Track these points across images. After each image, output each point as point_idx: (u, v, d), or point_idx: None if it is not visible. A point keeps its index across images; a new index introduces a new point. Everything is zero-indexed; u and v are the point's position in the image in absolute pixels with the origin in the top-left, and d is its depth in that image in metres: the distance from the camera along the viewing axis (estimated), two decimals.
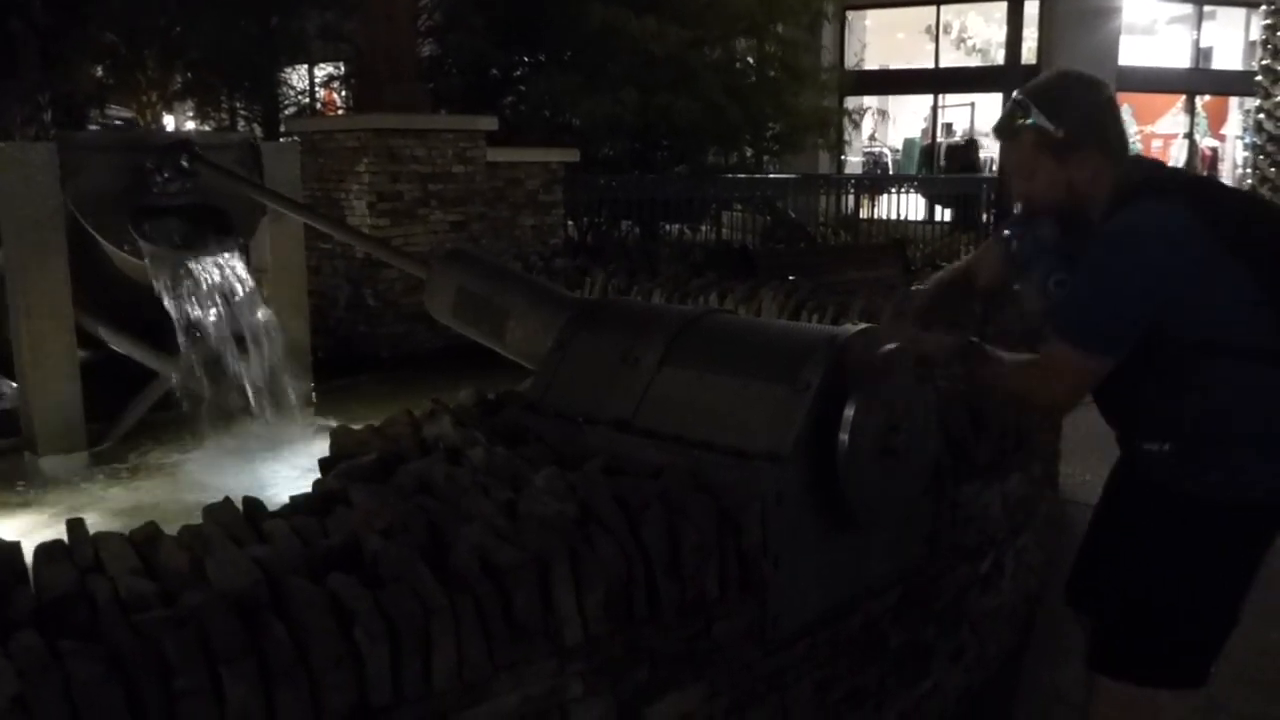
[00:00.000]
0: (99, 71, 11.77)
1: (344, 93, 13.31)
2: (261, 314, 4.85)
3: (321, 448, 2.63)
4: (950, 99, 20.85)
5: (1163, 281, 1.93)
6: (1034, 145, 2.06)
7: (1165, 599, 2.05)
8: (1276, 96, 11.40)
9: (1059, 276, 2.09)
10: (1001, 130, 2.14)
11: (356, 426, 2.72)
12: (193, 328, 4.61)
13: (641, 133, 10.75)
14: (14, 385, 4.77)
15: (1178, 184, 2.05)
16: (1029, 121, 2.05)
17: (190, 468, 4.54)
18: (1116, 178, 2.04)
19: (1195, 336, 1.94)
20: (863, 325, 2.51)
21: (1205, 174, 19.99)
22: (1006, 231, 2.24)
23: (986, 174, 17.74)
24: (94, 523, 2.02)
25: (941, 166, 20.32)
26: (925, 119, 21.63)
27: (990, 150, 19.19)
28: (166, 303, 4.53)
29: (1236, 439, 1.97)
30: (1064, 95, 2.06)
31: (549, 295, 3.04)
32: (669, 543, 1.95)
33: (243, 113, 12.53)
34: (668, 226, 11.06)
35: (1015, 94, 2.14)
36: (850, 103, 17.23)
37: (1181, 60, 19.95)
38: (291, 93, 13.09)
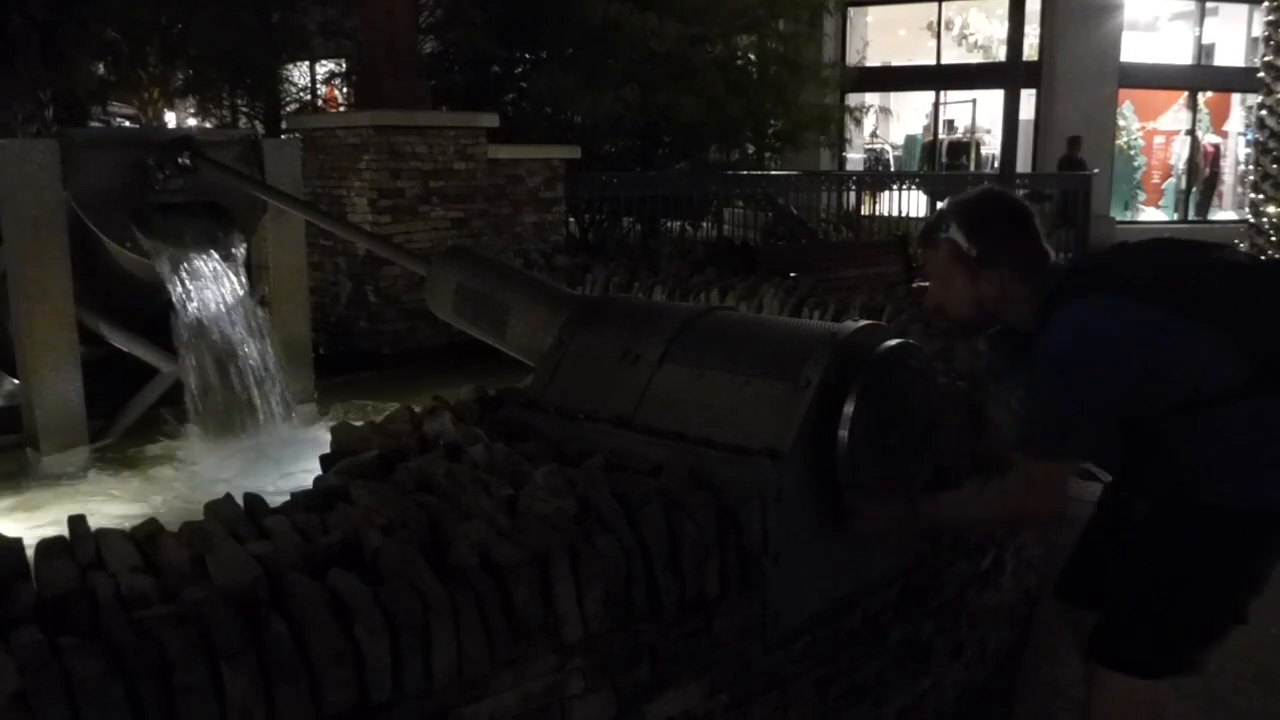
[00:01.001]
0: (100, 68, 11.76)
1: (345, 89, 13.30)
2: (260, 311, 4.85)
3: (322, 444, 2.63)
4: (952, 96, 20.78)
5: (1109, 384, 1.96)
6: (950, 259, 2.13)
7: (1158, 591, 2.06)
8: (1278, 93, 11.37)
9: (1020, 394, 2.13)
10: (923, 238, 2.24)
11: (357, 423, 2.73)
12: (193, 324, 4.61)
13: (643, 129, 10.73)
14: (15, 381, 4.77)
15: (1096, 274, 2.09)
16: (945, 234, 2.13)
17: (191, 464, 4.55)
18: (1035, 288, 2.08)
19: (1178, 401, 1.96)
20: (864, 322, 2.51)
21: (1205, 171, 19.99)
22: (983, 346, 2.29)
23: (988, 170, 17.74)
24: (95, 519, 2.02)
25: (943, 163, 20.28)
26: (927, 116, 21.58)
27: (991, 148, 19.17)
28: (168, 299, 4.53)
29: (1238, 467, 1.97)
30: (983, 215, 2.13)
31: (550, 292, 3.04)
32: (669, 540, 1.95)
33: (244, 109, 12.52)
34: (669, 223, 11.05)
35: (939, 205, 2.19)
36: (852, 99, 17.19)
37: (1184, 57, 19.89)
38: (293, 89, 13.07)
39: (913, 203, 12.54)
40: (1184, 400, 1.96)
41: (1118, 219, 18.70)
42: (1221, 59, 20.25)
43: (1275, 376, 1.92)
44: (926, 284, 2.23)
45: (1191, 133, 20.20)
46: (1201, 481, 1.98)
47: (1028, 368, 2.04)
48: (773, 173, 12.71)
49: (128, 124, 12.91)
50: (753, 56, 12.09)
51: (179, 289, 4.56)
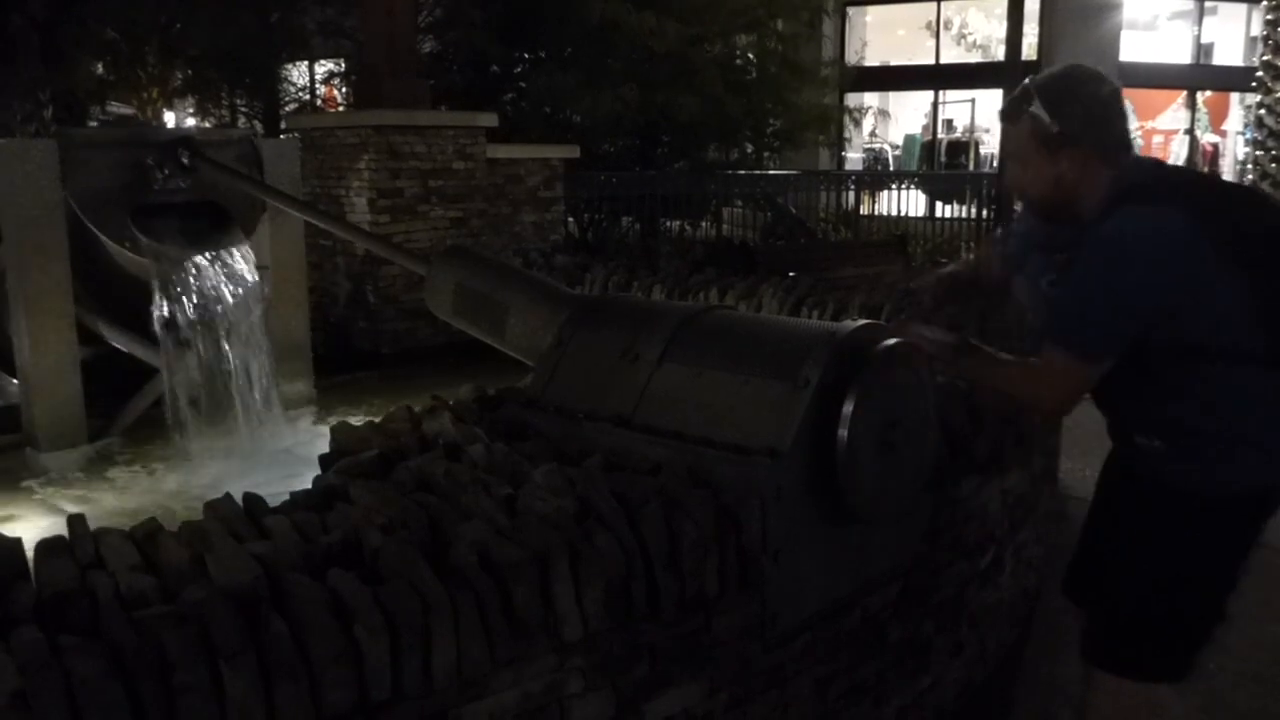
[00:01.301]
0: (99, 68, 11.76)
1: (344, 89, 13.31)
2: (260, 311, 4.85)
3: (322, 444, 2.63)
4: (951, 95, 20.82)
5: (1149, 294, 1.93)
6: (1030, 135, 2.06)
7: (1157, 594, 2.06)
8: (1277, 92, 11.38)
9: (1050, 276, 2.10)
10: (1006, 113, 2.14)
11: (357, 423, 2.73)
12: (190, 324, 4.61)
13: (642, 129, 10.74)
14: (15, 381, 4.77)
15: (1173, 187, 2.04)
16: (1030, 109, 2.05)
17: (191, 463, 4.55)
18: (1111, 179, 2.03)
19: (1188, 342, 1.95)
20: (863, 321, 2.51)
21: (1207, 171, 19.99)
22: (999, 231, 2.26)
23: (987, 170, 17.75)
24: (95, 518, 2.02)
25: (942, 163, 20.31)
26: (926, 115, 21.61)
27: (990, 147, 19.18)
28: (163, 299, 4.53)
29: (1228, 438, 1.98)
30: (1067, 91, 2.06)
31: (549, 291, 3.04)
32: (668, 539, 1.95)
33: (243, 109, 12.54)
34: (668, 223, 11.06)
35: (1026, 80, 2.14)
36: (851, 99, 17.21)
37: (1183, 56, 19.92)
38: (292, 89, 13.10)
39: (911, 202, 12.55)
40: (1198, 343, 1.94)
41: None
42: (1220, 58, 20.29)
43: None
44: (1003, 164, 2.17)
45: (1190, 132, 20.24)
46: (1214, 426, 1.97)
47: (1078, 255, 1.99)
48: (772, 172, 12.72)
49: (126, 111, 12.88)
50: (752, 56, 12.10)
51: (178, 289, 4.56)
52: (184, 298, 4.57)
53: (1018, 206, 2.36)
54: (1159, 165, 2.26)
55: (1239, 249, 1.93)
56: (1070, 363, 1.97)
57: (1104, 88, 2.08)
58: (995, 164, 12.92)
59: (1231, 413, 1.97)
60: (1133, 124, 18.56)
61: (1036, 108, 2.04)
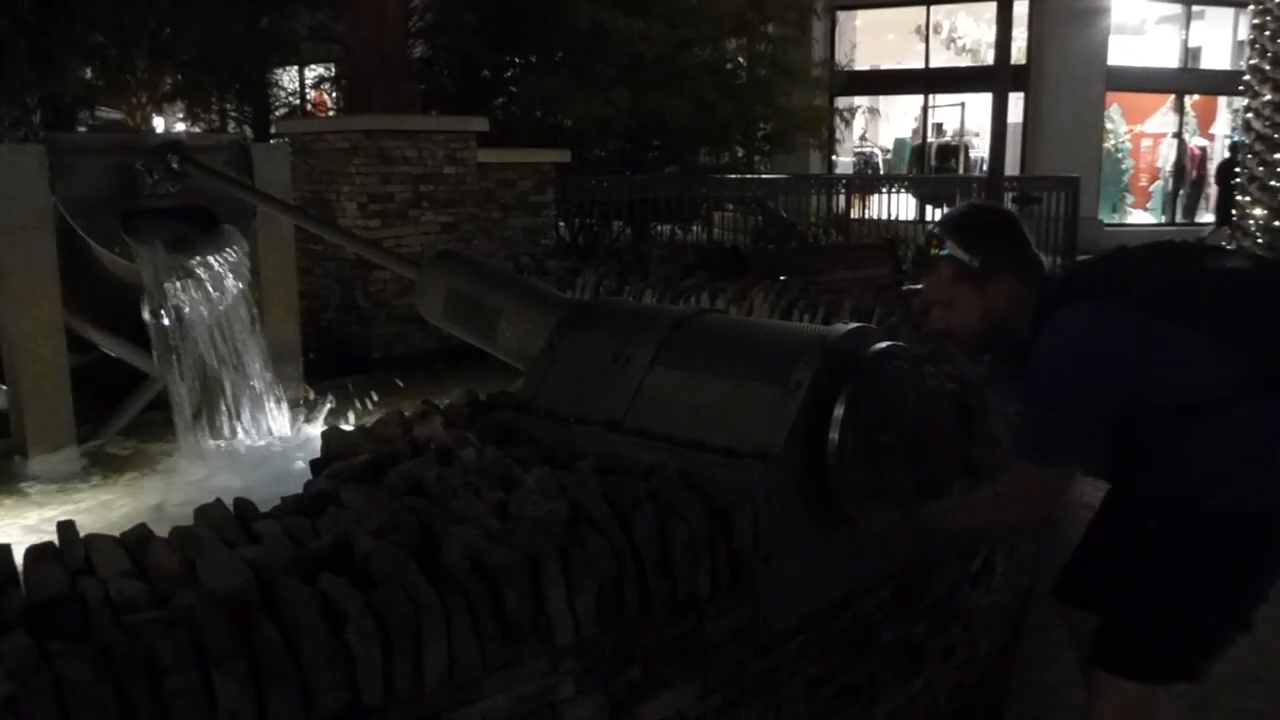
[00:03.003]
0: (88, 73, 11.72)
1: (335, 94, 13.28)
2: (250, 316, 4.84)
3: (313, 449, 2.63)
4: (940, 99, 20.87)
5: (1097, 387, 1.97)
6: (952, 277, 2.13)
7: (1185, 605, 2.05)
8: (1264, 96, 11.43)
9: (1015, 404, 2.14)
10: (919, 265, 2.23)
11: (348, 427, 2.72)
12: (180, 330, 4.60)
13: (633, 133, 10.74)
14: (3, 387, 4.75)
15: (1087, 280, 2.10)
16: (944, 253, 2.12)
17: (181, 469, 4.53)
18: (1033, 294, 2.09)
19: (1172, 406, 1.97)
20: (854, 325, 2.52)
21: (1193, 174, 20.09)
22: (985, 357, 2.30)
23: (977, 173, 17.80)
24: (85, 524, 2.01)
25: (932, 166, 20.35)
26: (916, 119, 21.66)
27: (980, 150, 19.23)
28: (149, 305, 4.51)
29: (1242, 468, 1.98)
30: (976, 226, 2.15)
31: (540, 296, 3.04)
32: (660, 542, 1.95)
33: (233, 114, 12.50)
34: (659, 227, 11.06)
35: (929, 228, 2.19)
36: (841, 103, 17.24)
37: (1170, 60, 20.00)
38: (282, 94, 13.06)
39: (902, 206, 12.57)
40: (1179, 405, 1.96)
41: (1105, 222, 18.79)
42: (1208, 62, 20.38)
43: (1275, 378, 1.92)
44: (930, 310, 2.20)
45: (1179, 135, 20.31)
46: (1203, 486, 1.98)
47: (1023, 375, 2.05)
48: (762, 176, 12.73)
49: (115, 116, 12.83)
50: (742, 60, 12.12)
51: (168, 293, 4.55)
52: (174, 303, 4.55)
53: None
54: (1071, 266, 2.35)
55: (1181, 306, 1.96)
56: (1036, 473, 2.02)
57: (1007, 220, 2.19)
58: (985, 168, 12.95)
59: (1241, 447, 1.96)
60: (1121, 128, 18.58)
61: (952, 249, 2.11)
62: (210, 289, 4.64)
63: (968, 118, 20.50)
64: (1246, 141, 12.04)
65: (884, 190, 12.69)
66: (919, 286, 2.65)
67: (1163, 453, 2.02)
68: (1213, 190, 19.47)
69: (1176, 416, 1.97)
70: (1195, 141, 20.56)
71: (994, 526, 2.27)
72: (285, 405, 4.99)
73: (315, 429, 4.67)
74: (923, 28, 20.66)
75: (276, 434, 4.89)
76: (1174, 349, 1.96)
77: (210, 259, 4.69)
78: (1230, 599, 2.05)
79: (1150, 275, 2.06)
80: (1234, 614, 2.06)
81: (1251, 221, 11.44)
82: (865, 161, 21.83)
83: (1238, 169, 12.37)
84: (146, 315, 4.52)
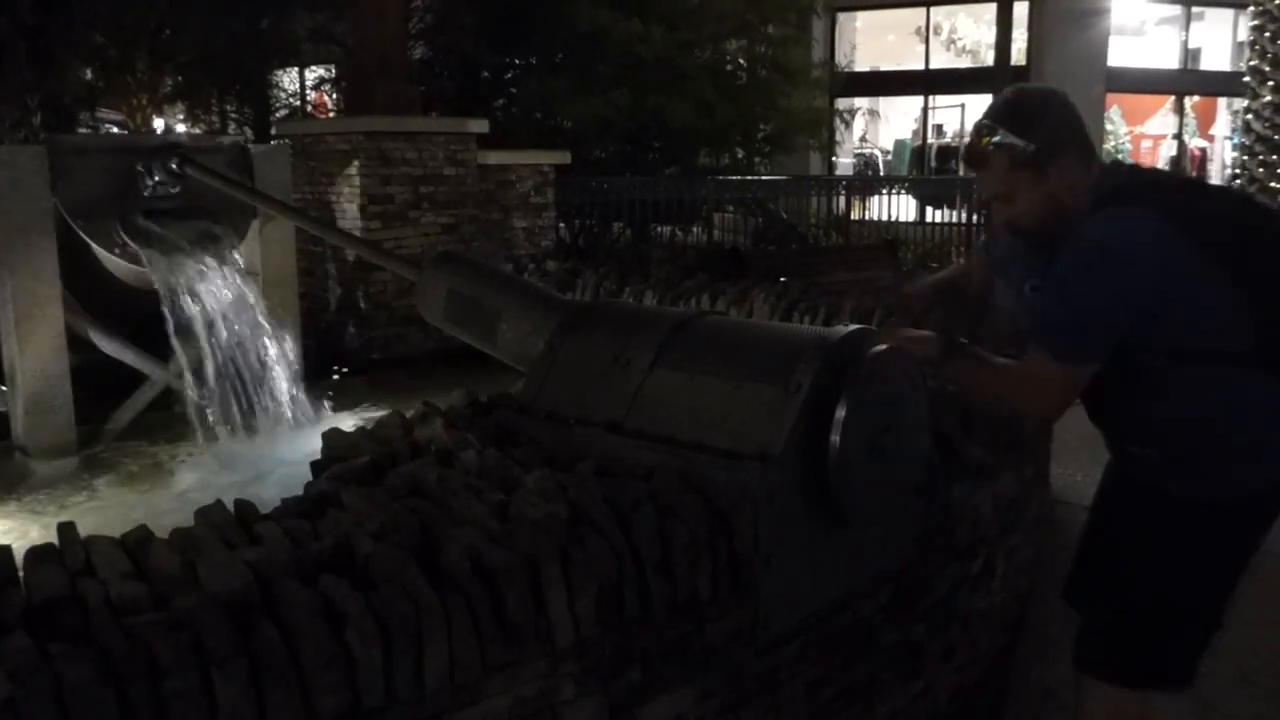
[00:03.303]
0: (88, 74, 11.72)
1: (335, 95, 13.29)
2: (249, 317, 4.84)
3: (313, 450, 2.63)
4: (940, 100, 20.89)
5: (1126, 297, 1.93)
6: (1009, 166, 2.02)
7: (1156, 601, 2.06)
8: (1264, 97, 11.45)
9: (1034, 282, 2.10)
10: (972, 158, 2.10)
11: (348, 429, 2.72)
12: (183, 329, 4.60)
13: (633, 134, 10.75)
14: (4, 388, 4.76)
15: (1148, 188, 2.02)
16: (997, 140, 2.02)
17: (181, 470, 4.53)
18: (1093, 182, 2.02)
19: (1173, 345, 1.94)
20: (854, 326, 2.52)
21: (1193, 174, 20.09)
22: (983, 238, 2.26)
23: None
24: (85, 525, 2.01)
25: (932, 167, 20.37)
26: (916, 120, 21.68)
27: None
28: (154, 305, 4.52)
29: (1219, 442, 1.98)
30: (1029, 110, 2.04)
31: (540, 297, 3.04)
32: (660, 543, 1.95)
33: (233, 116, 12.51)
34: (659, 228, 11.06)
35: (977, 121, 2.11)
36: (841, 105, 17.26)
37: (1170, 61, 20.03)
38: (282, 95, 13.07)
39: (902, 207, 12.58)
40: (1182, 346, 1.94)
41: None
42: (1207, 63, 20.41)
43: (1275, 352, 1.91)
44: (991, 206, 2.11)
45: (1178, 136, 20.34)
46: (1204, 431, 1.97)
47: (1059, 258, 1.98)
48: (762, 177, 12.74)
49: (115, 118, 12.84)
50: (742, 61, 12.12)
51: (168, 294, 4.55)
52: (174, 303, 4.56)
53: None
54: (1135, 169, 2.25)
55: (1217, 247, 1.92)
56: (1054, 368, 1.96)
57: (1056, 97, 2.07)
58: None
59: (1223, 417, 1.96)
60: (1121, 129, 18.57)
61: (1005, 136, 2.01)
62: (210, 290, 4.65)
63: (968, 119, 20.52)
64: (1246, 143, 12.05)
65: (884, 192, 12.69)
66: (915, 288, 2.64)
67: (1151, 394, 1.98)
68: None
69: (1175, 357, 1.94)
70: (1195, 142, 20.59)
71: (1000, 396, 2.19)
72: (285, 406, 4.99)
73: (315, 430, 4.67)
74: (923, 29, 20.69)
75: (276, 434, 4.89)
76: (1199, 287, 1.91)
77: (210, 260, 4.70)
78: (1203, 594, 2.06)
79: (1209, 208, 2.02)
80: (1207, 610, 2.07)
81: None
82: (865, 163, 21.85)
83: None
84: (150, 316, 4.52)
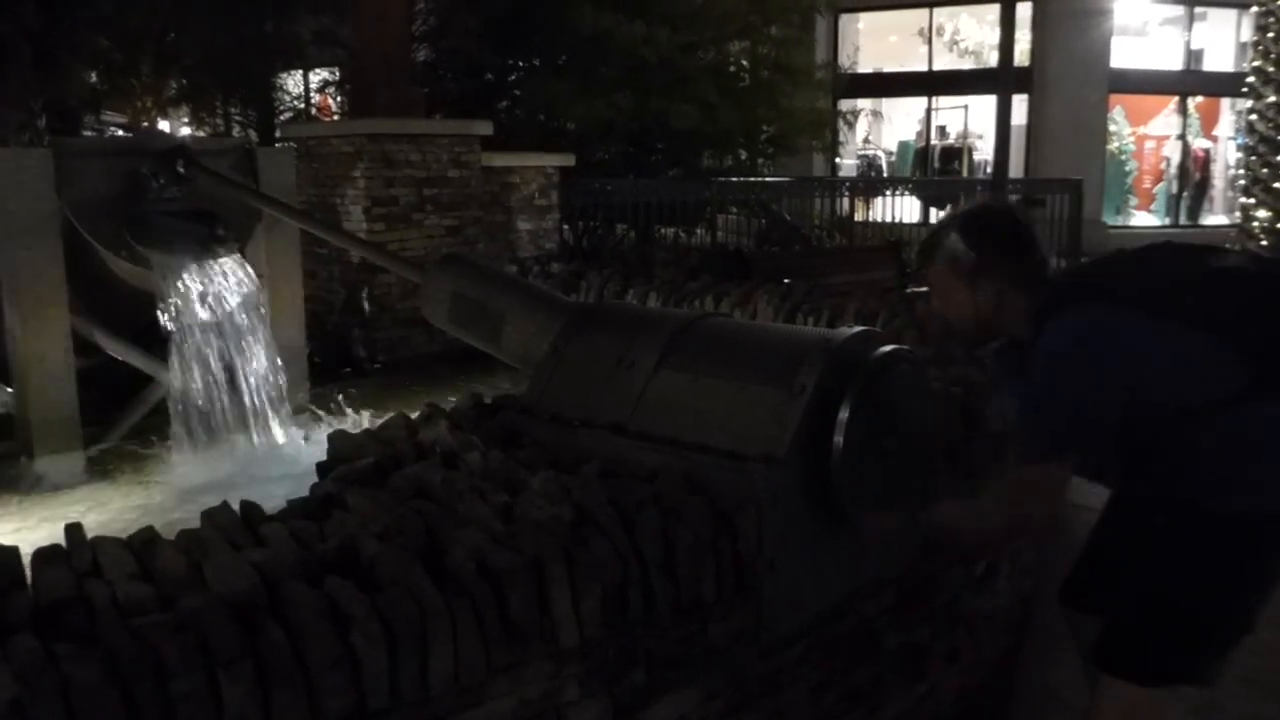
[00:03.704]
0: (93, 77, 11.75)
1: (339, 98, 13.32)
2: (254, 319, 4.85)
3: (318, 452, 2.63)
4: (944, 101, 20.86)
5: (1091, 390, 1.98)
6: (948, 267, 2.15)
7: (1186, 606, 2.05)
8: (1268, 97, 11.42)
9: (1017, 411, 2.15)
10: (922, 250, 2.26)
11: (353, 431, 2.73)
12: (186, 333, 4.61)
13: (636, 136, 10.76)
14: (10, 390, 4.77)
15: (1089, 284, 2.12)
16: (948, 241, 2.14)
17: (187, 472, 4.54)
18: (1035, 301, 2.09)
19: (1169, 408, 1.97)
20: (858, 328, 2.52)
21: (1196, 175, 20.07)
22: (988, 360, 2.32)
23: (981, 176, 17.80)
24: (91, 527, 2.02)
25: (935, 169, 20.35)
26: (919, 121, 21.66)
27: (984, 153, 19.22)
28: (159, 308, 4.53)
29: (1245, 476, 1.97)
30: (981, 225, 2.15)
31: (544, 299, 3.04)
32: (665, 545, 1.96)
33: (238, 118, 12.54)
34: (663, 230, 11.07)
35: (934, 212, 2.21)
36: (844, 106, 17.25)
37: (1173, 62, 19.98)
38: (287, 98, 13.11)
39: (906, 208, 12.57)
40: (1181, 407, 1.96)
41: (1109, 224, 18.77)
42: (1211, 64, 20.36)
43: (1276, 380, 1.92)
44: (926, 291, 2.24)
45: (1182, 137, 20.29)
46: (1205, 487, 1.98)
47: (1023, 380, 2.06)
48: (766, 179, 12.74)
49: (119, 120, 12.86)
50: (745, 63, 12.12)
51: (174, 297, 4.56)
52: (179, 306, 4.57)
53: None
54: (1069, 271, 2.38)
55: (1180, 308, 1.97)
56: (1037, 469, 2.02)
57: (1012, 223, 2.18)
58: (989, 170, 12.94)
59: (1242, 455, 1.96)
60: (1124, 130, 18.55)
61: (953, 242, 2.13)
62: (216, 292, 4.65)
63: (971, 120, 20.50)
64: (1250, 143, 12.03)
65: (888, 193, 12.68)
66: (924, 289, 2.67)
67: (1165, 454, 2.02)
68: (1217, 192, 19.47)
69: (1179, 418, 1.97)
70: (1199, 143, 20.54)
71: (997, 527, 2.25)
72: (290, 408, 5.00)
73: (320, 432, 4.67)
74: (925, 30, 20.66)
75: (282, 437, 4.90)
76: (1175, 349, 1.96)
77: (216, 262, 4.71)
78: (1231, 600, 2.05)
79: (1149, 276, 2.08)
80: (1235, 615, 2.06)
81: (1256, 224, 11.43)
82: (869, 164, 21.83)
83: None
84: (165, 320, 4.53)
